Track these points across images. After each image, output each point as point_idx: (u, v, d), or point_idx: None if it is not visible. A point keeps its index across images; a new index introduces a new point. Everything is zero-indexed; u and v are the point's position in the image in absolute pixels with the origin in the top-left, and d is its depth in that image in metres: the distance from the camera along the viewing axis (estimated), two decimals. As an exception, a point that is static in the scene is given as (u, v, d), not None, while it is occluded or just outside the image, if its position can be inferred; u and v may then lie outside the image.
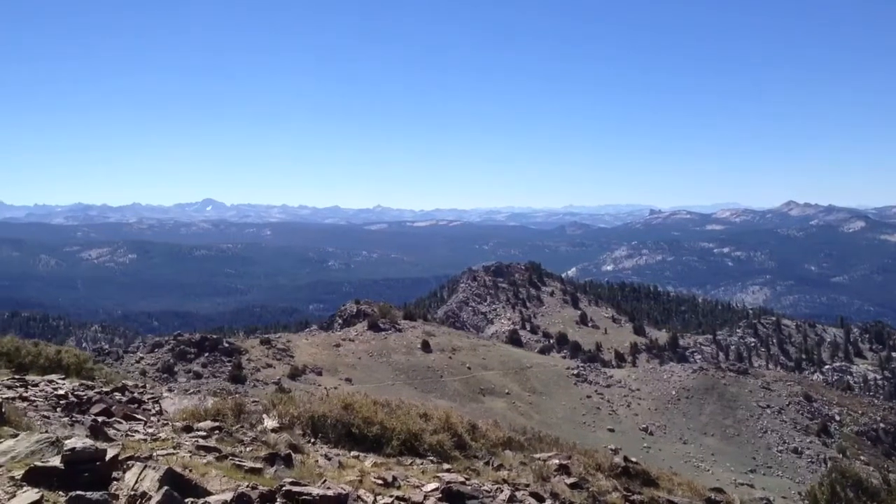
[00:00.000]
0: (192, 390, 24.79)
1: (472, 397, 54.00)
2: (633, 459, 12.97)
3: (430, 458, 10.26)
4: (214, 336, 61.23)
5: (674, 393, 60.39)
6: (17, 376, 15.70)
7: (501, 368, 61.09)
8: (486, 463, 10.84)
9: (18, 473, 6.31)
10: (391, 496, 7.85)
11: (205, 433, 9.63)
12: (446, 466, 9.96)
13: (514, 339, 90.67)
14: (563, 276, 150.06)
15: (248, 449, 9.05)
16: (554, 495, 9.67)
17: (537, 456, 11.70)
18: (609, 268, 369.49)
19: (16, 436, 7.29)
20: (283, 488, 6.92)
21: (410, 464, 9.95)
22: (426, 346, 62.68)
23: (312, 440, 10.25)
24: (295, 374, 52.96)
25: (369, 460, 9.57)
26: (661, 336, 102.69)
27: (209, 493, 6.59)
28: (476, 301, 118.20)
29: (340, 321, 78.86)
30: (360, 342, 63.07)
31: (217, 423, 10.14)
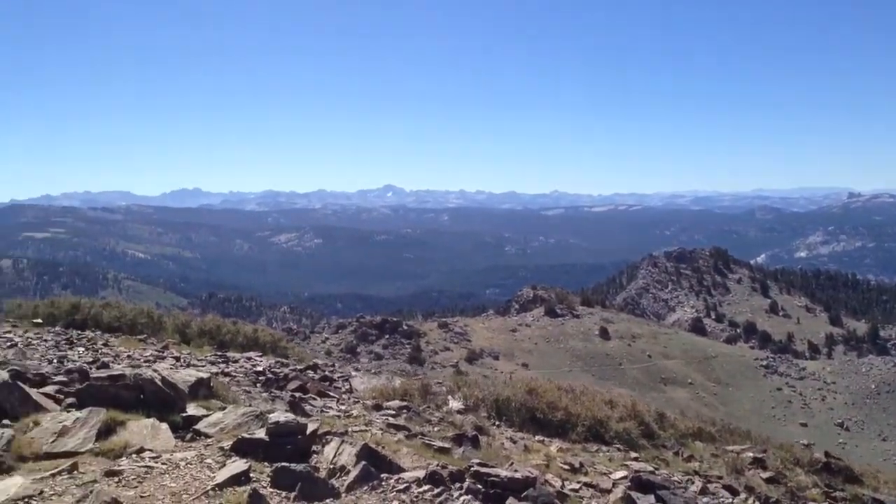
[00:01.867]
0: (373, 370, 25.64)
1: (653, 386, 52.92)
2: (835, 455, 12.28)
3: (617, 445, 10.12)
4: (394, 319, 63.00)
5: (873, 387, 56.80)
6: (219, 353, 16.73)
7: (684, 357, 59.52)
8: (676, 453, 10.57)
9: (227, 444, 6.71)
10: (578, 482, 7.79)
11: (394, 412, 9.90)
12: (634, 455, 9.79)
13: (697, 328, 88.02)
14: (752, 262, 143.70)
15: (435, 429, 9.25)
16: (749, 489, 9.29)
17: (729, 448, 11.29)
18: (802, 254, 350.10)
19: (223, 408, 7.75)
20: (472, 468, 6.99)
21: (596, 451, 9.85)
22: (604, 333, 61.95)
23: (497, 423, 10.35)
24: (472, 358, 53.71)
25: (555, 445, 9.55)
26: (860, 327, 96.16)
27: (402, 470, 6.76)
28: (657, 288, 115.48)
29: (517, 306, 79.15)
30: (536, 327, 63.13)
31: (405, 403, 10.41)
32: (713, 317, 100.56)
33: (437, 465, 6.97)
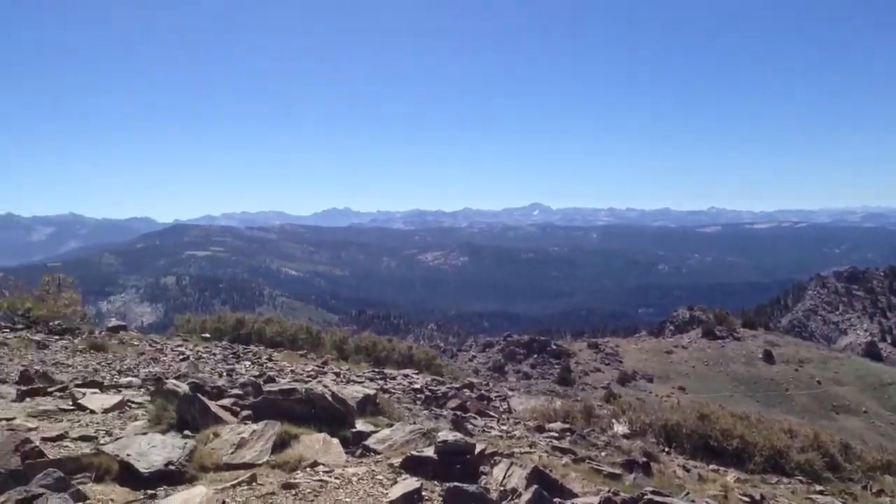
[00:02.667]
0: (522, 390, 25.42)
1: (823, 414, 50.12)
2: None
3: (799, 478, 9.54)
4: (542, 338, 62.45)
5: None
6: (376, 369, 16.97)
7: (858, 384, 56.12)
8: (864, 487, 9.86)
9: (397, 461, 6.68)
10: (761, 515, 7.36)
11: (557, 434, 9.70)
12: (818, 488, 9.19)
13: (871, 353, 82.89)
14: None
15: (602, 453, 8.98)
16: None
17: (922, 483, 10.47)
18: None
19: (391, 425, 7.75)
20: (646, 497, 6.70)
21: (776, 482, 9.30)
22: (769, 357, 59.33)
23: (666, 449, 9.96)
24: (624, 380, 52.54)
25: (731, 475, 9.08)
26: None
27: (574, 495, 6.55)
28: (826, 309, 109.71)
29: (672, 327, 76.98)
30: (693, 350, 61.17)
31: (567, 425, 10.19)
32: (889, 341, 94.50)
33: (609, 492, 6.72)
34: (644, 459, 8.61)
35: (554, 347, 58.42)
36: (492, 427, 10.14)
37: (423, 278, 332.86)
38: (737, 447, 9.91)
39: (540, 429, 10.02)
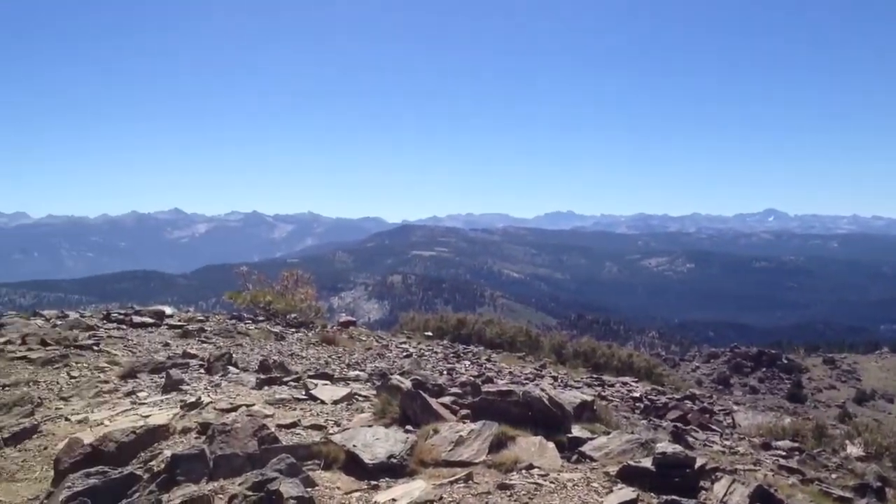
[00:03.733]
0: (748, 404, 24.25)
1: None
2: None
3: None
4: (772, 351, 59.27)
5: None
6: (594, 375, 16.81)
7: None
8: None
9: (612, 469, 6.58)
10: None
11: (784, 453, 9.20)
12: None
13: None
14: None
15: (833, 476, 8.42)
16: None
17: None
18: None
19: (608, 433, 7.65)
20: (882, 526, 6.23)
21: None
22: None
23: (906, 476, 9.20)
24: (861, 399, 48.83)
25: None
26: None
27: (801, 519, 6.20)
28: None
29: (922, 344, 70.73)
30: (945, 370, 55.97)
31: (796, 444, 9.64)
32: None
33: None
34: (878, 484, 7.97)
35: (785, 361, 55.25)
36: (714, 441, 9.77)
37: (646, 284, 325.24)
38: None
39: (766, 446, 9.54)
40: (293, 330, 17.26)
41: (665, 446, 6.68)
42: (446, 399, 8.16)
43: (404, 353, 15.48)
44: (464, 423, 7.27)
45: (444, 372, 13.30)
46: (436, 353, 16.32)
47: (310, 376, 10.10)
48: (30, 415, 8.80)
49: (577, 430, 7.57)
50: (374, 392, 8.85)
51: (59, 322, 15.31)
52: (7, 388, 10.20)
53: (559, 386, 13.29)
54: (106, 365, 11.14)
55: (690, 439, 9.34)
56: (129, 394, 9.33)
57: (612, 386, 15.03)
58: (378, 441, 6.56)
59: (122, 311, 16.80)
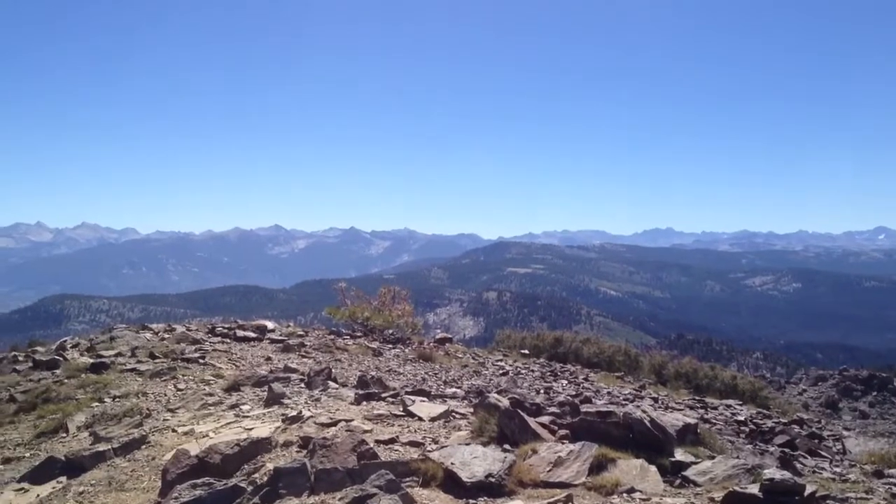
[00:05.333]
0: (858, 430, 23.24)
1: None
2: None
3: None
4: (884, 374, 56.73)
5: None
6: (696, 397, 16.40)
7: None
8: None
9: (717, 495, 6.38)
10: None
11: (899, 481, 8.76)
12: None
13: None
14: None
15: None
16: None
17: None
18: None
19: (712, 457, 7.43)
20: None
21: None
22: None
23: None
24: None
25: None
26: None
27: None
28: None
29: None
30: None
31: (915, 473, 9.16)
32: None
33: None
34: None
35: (897, 385, 52.91)
36: (823, 468, 9.37)
37: (750, 304, 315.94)
38: None
39: (878, 474, 9.09)
40: (390, 346, 17.41)
41: (773, 472, 6.44)
42: (544, 418, 8.07)
43: (500, 371, 15.42)
44: (562, 443, 7.18)
45: (541, 391, 13.18)
46: (532, 371, 16.20)
47: (407, 392, 10.15)
48: (139, 426, 9.10)
49: (679, 454, 7.38)
50: (472, 410, 8.82)
51: (166, 335, 15.85)
52: (117, 400, 10.59)
53: (660, 407, 12.99)
54: (211, 378, 11.45)
55: (799, 465, 8.99)
56: (232, 406, 9.55)
57: (716, 409, 14.62)
58: (476, 459, 6.52)
59: (227, 326, 17.28)
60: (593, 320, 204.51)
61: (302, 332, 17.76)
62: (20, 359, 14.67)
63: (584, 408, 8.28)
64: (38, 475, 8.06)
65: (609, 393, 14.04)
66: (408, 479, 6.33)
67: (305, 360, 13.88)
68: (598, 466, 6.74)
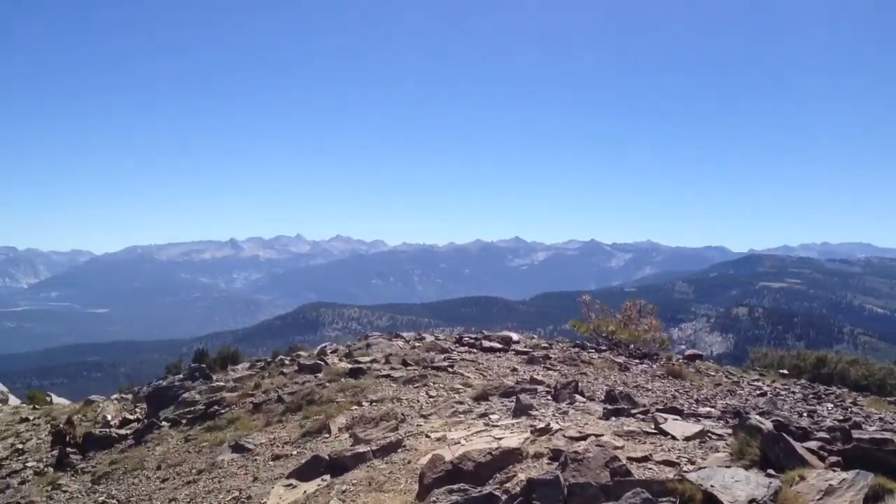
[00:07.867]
0: None
1: None
2: None
3: None
4: None
5: None
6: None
7: None
8: None
9: None
10: None
11: None
12: None
13: None
14: None
15: None
16: None
17: None
18: None
19: None
20: None
21: None
22: None
23: None
24: None
25: None
26: None
27: None
28: None
29: None
30: None
31: None
32: None
33: None
34: None
35: None
36: None
37: None
38: None
39: None
40: (637, 361, 17.04)
41: None
42: (811, 444, 7.51)
43: (758, 392, 14.62)
44: (833, 470, 6.64)
45: (805, 414, 12.35)
46: (793, 392, 15.22)
47: (658, 410, 9.84)
48: (395, 429, 9.49)
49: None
50: (729, 431, 8.38)
51: (417, 344, 16.46)
52: (374, 404, 11.10)
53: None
54: (460, 386, 11.73)
55: None
56: (482, 415, 9.71)
57: None
58: (738, 483, 6.18)
59: (473, 336, 17.67)
60: (857, 339, 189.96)
61: (546, 345, 17.80)
62: (286, 362, 15.85)
63: (857, 434, 7.63)
64: (304, 472, 8.64)
65: (881, 419, 12.92)
66: (663, 498, 6.09)
67: (551, 372, 13.88)
68: (874, 497, 6.17)
